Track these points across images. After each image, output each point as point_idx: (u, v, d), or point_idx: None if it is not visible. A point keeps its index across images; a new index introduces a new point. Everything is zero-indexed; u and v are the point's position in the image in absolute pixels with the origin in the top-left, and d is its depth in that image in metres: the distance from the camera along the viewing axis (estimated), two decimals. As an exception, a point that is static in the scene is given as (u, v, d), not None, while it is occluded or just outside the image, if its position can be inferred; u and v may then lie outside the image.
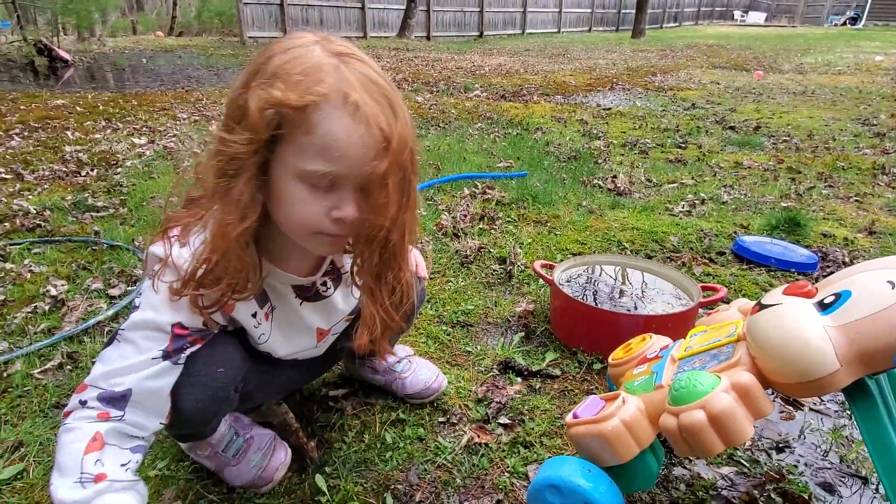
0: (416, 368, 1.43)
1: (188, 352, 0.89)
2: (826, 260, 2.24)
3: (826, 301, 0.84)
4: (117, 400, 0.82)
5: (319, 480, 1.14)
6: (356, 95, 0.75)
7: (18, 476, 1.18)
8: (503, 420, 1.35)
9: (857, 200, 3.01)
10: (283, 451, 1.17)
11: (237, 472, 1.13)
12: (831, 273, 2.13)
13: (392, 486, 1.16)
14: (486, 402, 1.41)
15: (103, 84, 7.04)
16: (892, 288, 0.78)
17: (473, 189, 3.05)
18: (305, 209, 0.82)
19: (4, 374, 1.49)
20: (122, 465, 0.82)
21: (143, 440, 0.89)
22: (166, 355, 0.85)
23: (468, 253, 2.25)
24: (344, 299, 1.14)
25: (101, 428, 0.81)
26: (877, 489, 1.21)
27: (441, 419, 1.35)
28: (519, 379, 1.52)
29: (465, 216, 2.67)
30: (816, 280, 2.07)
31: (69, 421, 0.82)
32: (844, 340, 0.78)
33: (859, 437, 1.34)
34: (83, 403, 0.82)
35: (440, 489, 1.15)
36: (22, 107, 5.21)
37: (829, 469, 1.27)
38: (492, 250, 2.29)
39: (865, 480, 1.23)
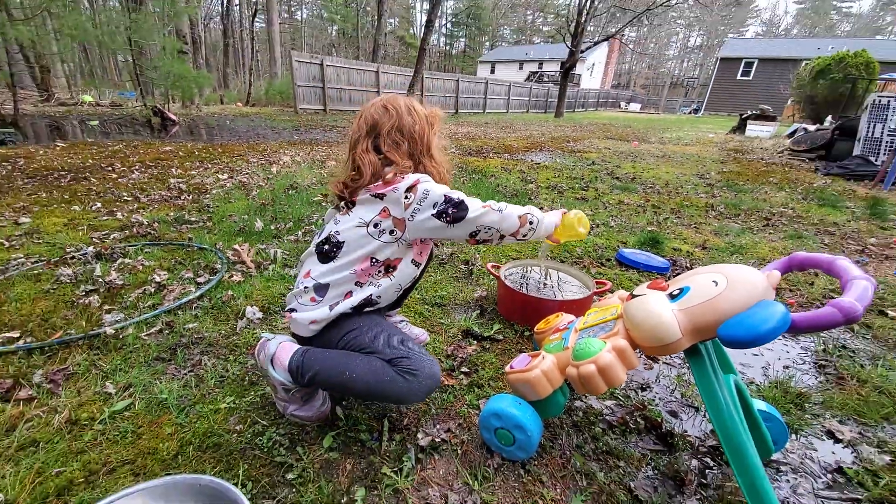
0: (409, 327, 1.43)
1: None
2: (675, 265, 2.28)
3: (674, 293, 0.86)
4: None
5: (338, 410, 1.12)
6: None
7: (127, 408, 1.13)
8: (464, 369, 1.34)
9: (695, 227, 3.05)
10: (329, 405, 1.11)
11: (299, 409, 1.06)
12: (678, 274, 2.17)
13: (388, 415, 1.14)
14: (453, 358, 1.40)
15: (198, 137, 6.84)
16: (716, 285, 0.80)
17: (448, 214, 3.04)
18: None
19: (120, 336, 1.44)
20: None
21: None
22: None
23: (444, 257, 2.24)
24: None
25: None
26: (704, 414, 1.23)
27: (423, 368, 1.34)
28: (475, 342, 1.51)
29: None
30: (668, 279, 2.12)
31: (498, 211, 1.07)
32: (685, 319, 0.80)
33: (694, 382, 1.37)
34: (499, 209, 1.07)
35: (420, 416, 1.14)
36: (141, 151, 5.03)
37: (675, 401, 1.29)
38: (459, 255, 2.28)
39: (697, 409, 1.25)
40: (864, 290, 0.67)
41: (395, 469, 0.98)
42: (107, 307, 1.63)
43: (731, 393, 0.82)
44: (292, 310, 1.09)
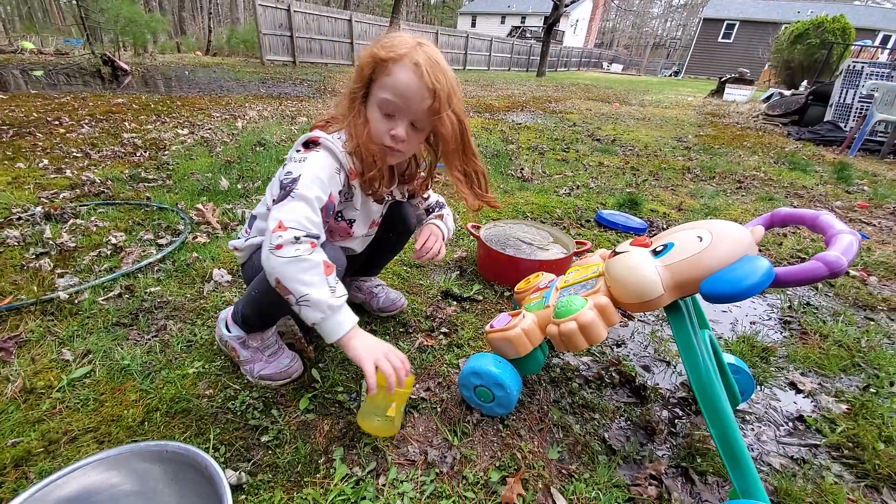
0: (387, 291, 1.39)
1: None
2: (652, 226, 2.30)
3: (657, 249, 0.85)
4: (314, 237, 0.81)
5: (315, 372, 1.10)
6: (421, 60, 0.82)
7: (87, 375, 1.07)
8: (444, 330, 1.33)
9: (672, 189, 3.08)
10: (300, 366, 1.10)
11: (265, 367, 1.06)
12: (654, 234, 2.20)
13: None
14: (432, 318, 1.38)
15: (154, 89, 6.33)
16: (700, 241, 0.79)
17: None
18: (376, 126, 0.88)
19: (76, 301, 1.35)
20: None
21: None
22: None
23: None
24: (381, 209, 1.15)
25: (322, 257, 0.80)
26: (675, 368, 1.27)
27: (401, 329, 1.32)
28: (454, 302, 1.49)
29: (421, 192, 2.59)
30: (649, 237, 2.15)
31: (295, 253, 0.77)
32: (668, 275, 0.79)
33: (667, 337, 1.41)
34: (297, 240, 0.78)
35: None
36: (90, 103, 4.62)
37: (648, 356, 1.32)
38: (438, 216, 2.24)
39: (668, 363, 1.29)
40: (850, 245, 0.66)
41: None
42: (59, 271, 1.52)
43: (707, 347, 0.83)
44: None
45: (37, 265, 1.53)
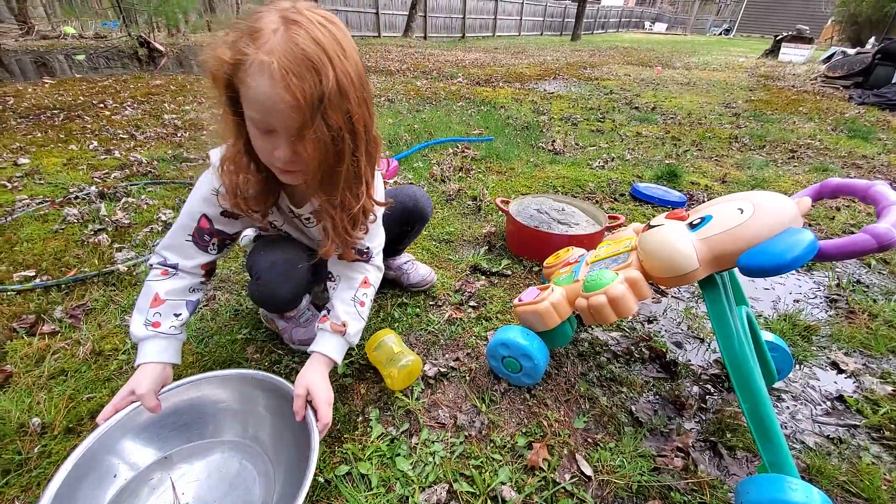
0: (417, 267, 1.42)
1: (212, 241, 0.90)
2: (692, 199, 2.22)
3: (694, 222, 0.83)
4: (170, 266, 0.88)
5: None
6: (274, 61, 0.58)
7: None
8: (472, 304, 1.36)
9: (716, 160, 2.94)
10: None
11: (302, 332, 1.13)
12: (694, 208, 2.13)
13: (399, 344, 1.18)
14: (461, 293, 1.42)
15: (189, 69, 6.52)
16: (741, 213, 0.77)
17: (455, 149, 2.95)
18: (259, 145, 0.70)
19: (133, 273, 1.47)
20: (176, 315, 0.87)
21: (198, 292, 0.93)
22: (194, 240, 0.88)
23: (451, 193, 2.20)
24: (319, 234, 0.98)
25: (163, 288, 0.85)
26: (709, 345, 1.26)
27: (431, 303, 1.37)
28: (483, 277, 1.52)
29: (450, 168, 2.59)
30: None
31: (149, 276, 0.88)
32: (705, 248, 0.78)
33: (702, 314, 1.39)
34: (151, 266, 0.88)
35: (430, 347, 1.18)
36: (131, 86, 4.83)
37: (680, 333, 1.31)
38: (467, 191, 2.24)
39: (702, 340, 1.28)
40: (901, 217, 0.63)
41: (407, 392, 1.03)
42: (116, 245, 1.65)
43: (743, 323, 0.82)
44: None
45: (96, 240, 1.67)
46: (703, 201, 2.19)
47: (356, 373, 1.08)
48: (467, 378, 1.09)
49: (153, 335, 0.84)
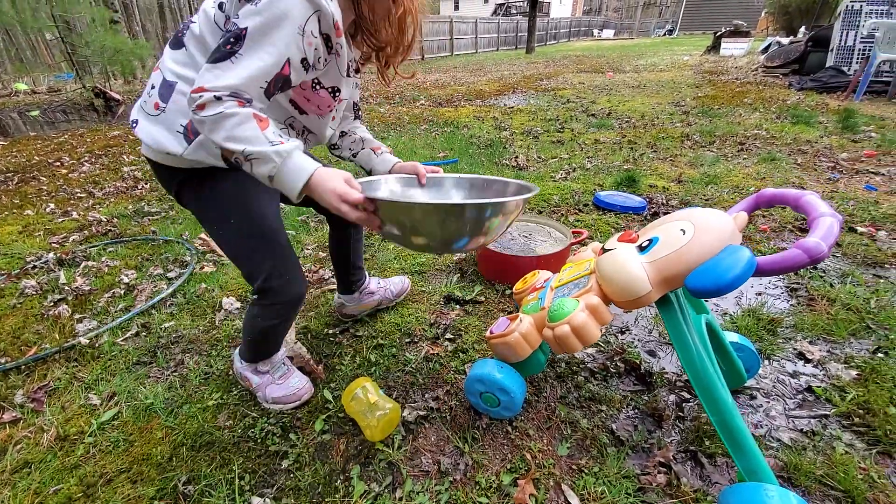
0: (392, 282, 1.49)
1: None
2: (651, 203, 2.28)
3: (643, 245, 0.85)
4: (246, 99, 0.71)
5: (326, 393, 1.14)
6: None
7: (115, 417, 1.13)
8: (448, 336, 1.36)
9: (671, 160, 3.03)
10: (310, 387, 1.15)
11: (277, 389, 1.10)
12: (655, 212, 2.19)
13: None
14: (436, 325, 1.41)
15: (148, 116, 6.40)
16: (684, 234, 0.80)
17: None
18: None
19: (96, 344, 1.41)
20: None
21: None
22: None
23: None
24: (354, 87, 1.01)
25: (252, 110, 0.70)
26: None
27: (407, 340, 1.35)
28: (457, 306, 1.52)
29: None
30: (646, 219, 2.13)
31: (219, 109, 0.67)
32: (654, 271, 0.80)
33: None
34: (218, 99, 0.67)
35: (409, 388, 1.17)
36: (88, 140, 4.71)
37: (653, 341, 1.33)
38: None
39: (673, 346, 1.30)
40: (830, 228, 0.67)
41: (388, 441, 1.01)
42: (78, 316, 1.58)
43: (702, 336, 0.84)
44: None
45: (56, 312, 1.60)
46: (663, 203, 2.26)
47: (334, 427, 1.05)
48: (448, 418, 1.07)
49: (297, 145, 0.73)
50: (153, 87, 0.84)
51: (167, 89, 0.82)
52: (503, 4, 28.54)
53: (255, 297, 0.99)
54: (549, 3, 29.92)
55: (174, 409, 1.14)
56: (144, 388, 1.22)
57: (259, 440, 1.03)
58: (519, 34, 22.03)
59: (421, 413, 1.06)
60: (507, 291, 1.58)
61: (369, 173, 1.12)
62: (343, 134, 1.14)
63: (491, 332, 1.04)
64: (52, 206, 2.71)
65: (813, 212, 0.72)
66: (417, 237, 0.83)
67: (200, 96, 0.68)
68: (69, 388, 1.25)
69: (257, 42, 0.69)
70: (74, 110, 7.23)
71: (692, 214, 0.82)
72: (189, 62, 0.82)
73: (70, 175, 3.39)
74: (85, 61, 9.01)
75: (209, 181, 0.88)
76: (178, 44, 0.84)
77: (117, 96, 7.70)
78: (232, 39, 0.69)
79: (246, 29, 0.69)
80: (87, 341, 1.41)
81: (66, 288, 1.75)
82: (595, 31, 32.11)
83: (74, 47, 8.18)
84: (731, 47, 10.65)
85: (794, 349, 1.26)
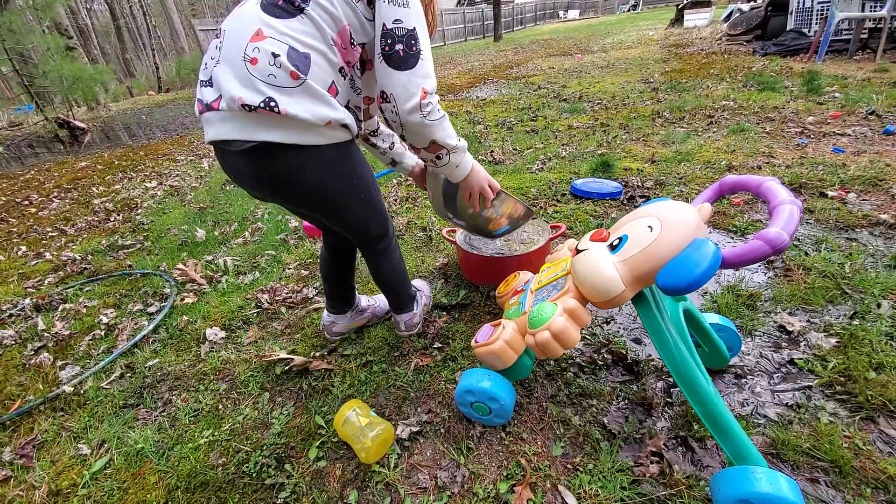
0: (380, 298, 1.49)
1: None
2: (627, 186, 2.29)
3: (614, 244, 0.86)
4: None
5: (318, 418, 1.13)
6: None
7: (106, 466, 1.11)
8: (437, 345, 1.35)
9: (643, 140, 3.04)
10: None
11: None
12: (632, 196, 2.19)
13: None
14: (424, 336, 1.40)
15: (116, 142, 6.24)
16: (651, 231, 0.80)
17: (400, 178, 2.94)
18: None
19: (81, 391, 1.38)
20: None
21: None
22: None
23: (401, 228, 2.19)
24: None
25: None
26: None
27: (396, 354, 1.34)
28: (444, 313, 1.51)
29: (395, 199, 2.58)
30: (623, 203, 2.14)
31: (442, 112, 0.88)
32: (626, 270, 0.80)
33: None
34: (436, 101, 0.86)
35: (401, 404, 1.16)
36: (55, 174, 4.57)
37: (637, 328, 1.34)
38: (417, 222, 2.23)
39: (660, 331, 1.31)
40: (791, 216, 0.67)
41: (384, 462, 1.00)
42: (60, 362, 1.54)
43: (680, 327, 0.85)
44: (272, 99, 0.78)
45: (37, 361, 1.56)
46: (638, 186, 2.28)
47: (329, 452, 1.05)
48: (442, 430, 1.07)
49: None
50: (275, 57, 0.77)
51: (302, 59, 0.80)
52: (467, -7, 28.25)
53: (383, 249, 1.16)
54: (513, -12, 29.68)
55: (165, 451, 1.12)
56: (133, 431, 1.19)
57: (254, 475, 1.01)
58: (485, 23, 21.86)
59: (414, 429, 1.06)
60: (492, 293, 1.58)
61: (392, 164, 1.30)
62: (378, 126, 1.25)
63: (476, 341, 1.04)
64: (23, 248, 2.63)
65: (774, 199, 0.73)
66: (498, 221, 1.29)
67: (429, 103, 0.84)
68: (57, 439, 1.22)
69: (424, 37, 0.84)
70: (40, 143, 7.01)
71: (658, 209, 0.82)
72: (316, 35, 0.82)
73: (40, 213, 3.30)
74: (44, 91, 8.73)
75: (344, 152, 0.92)
76: (286, 11, 0.80)
77: (82, 125, 7.48)
78: (412, 41, 0.82)
79: (414, 28, 0.82)
80: (72, 389, 1.38)
81: (46, 334, 1.70)
82: (561, 13, 32.01)
83: (32, 78, 7.91)
84: (694, 18, 10.72)
85: (775, 322, 1.28)
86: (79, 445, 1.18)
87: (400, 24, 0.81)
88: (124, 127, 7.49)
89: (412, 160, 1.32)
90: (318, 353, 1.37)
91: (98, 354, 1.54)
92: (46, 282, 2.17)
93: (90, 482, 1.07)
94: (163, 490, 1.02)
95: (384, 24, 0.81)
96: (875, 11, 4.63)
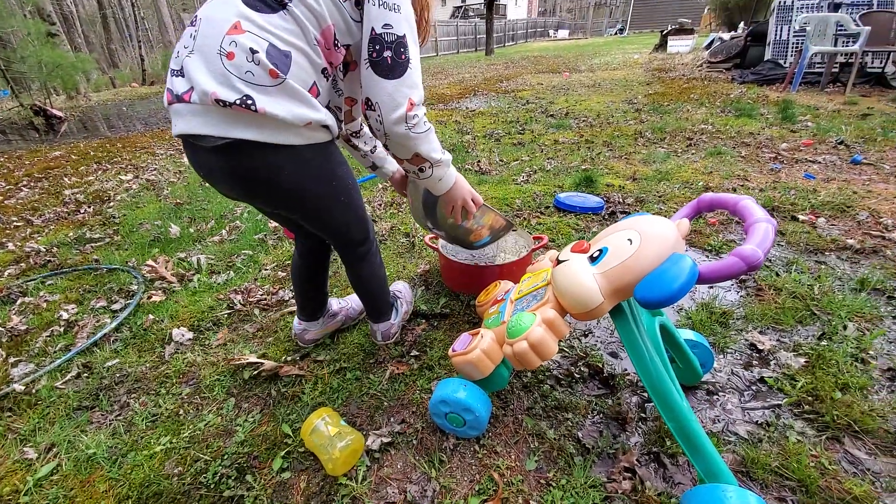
0: (352, 299, 1.47)
1: None
2: (609, 202, 2.32)
3: (594, 255, 0.85)
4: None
5: (285, 427, 1.08)
6: None
7: (53, 472, 1.03)
8: (414, 353, 1.32)
9: (626, 158, 3.10)
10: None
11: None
12: (613, 211, 2.22)
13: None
14: (401, 343, 1.37)
15: (93, 133, 6.03)
16: (630, 244, 0.79)
17: (385, 183, 2.91)
18: None
19: (33, 391, 1.29)
20: None
21: None
22: None
23: (384, 233, 2.16)
24: None
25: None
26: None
27: (371, 361, 1.30)
28: (423, 321, 1.48)
29: (380, 204, 2.55)
30: (604, 218, 2.17)
31: (428, 124, 0.85)
32: (605, 282, 0.79)
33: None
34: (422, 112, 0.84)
35: (374, 413, 1.12)
36: (27, 162, 4.38)
37: (614, 342, 1.34)
38: (400, 228, 2.21)
39: (637, 346, 1.31)
40: (765, 234, 0.68)
41: (351, 474, 0.96)
42: (13, 359, 1.45)
43: (656, 342, 0.84)
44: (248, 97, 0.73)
45: (-14, 357, 1.46)
46: (619, 202, 2.31)
47: (294, 463, 1.00)
48: (415, 442, 1.04)
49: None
50: (253, 53, 0.73)
51: (282, 58, 0.76)
52: (461, 7, 28.69)
53: (363, 254, 1.13)
54: (506, 4, 30.35)
55: (118, 458, 1.05)
56: (86, 436, 1.12)
57: (212, 486, 0.96)
58: (478, 36, 22.21)
59: (386, 440, 1.02)
60: (472, 302, 1.56)
61: (373, 168, 1.28)
62: (361, 128, 1.22)
63: (453, 350, 1.02)
64: (-17, 237, 2.49)
65: (749, 217, 0.73)
66: (478, 233, 1.26)
67: (415, 115, 0.81)
68: (2, 441, 1.14)
69: (414, 45, 0.81)
70: (13, 130, 6.73)
71: (638, 223, 0.82)
72: (298, 32, 0.77)
73: (6, 202, 3.14)
74: (21, 77, 8.40)
75: (323, 152, 0.88)
76: (268, 5, 0.75)
77: (59, 113, 7.23)
78: (401, 49, 0.79)
79: (404, 36, 0.79)
80: (23, 388, 1.29)
81: (1, 329, 1.60)
82: (551, 32, 32.80)
83: (9, 63, 7.61)
84: (677, 45, 11.11)
85: (746, 340, 1.30)
86: (25, 449, 1.10)
87: (390, 30, 0.77)
88: (104, 118, 7.26)
89: (393, 165, 1.29)
90: (289, 358, 1.32)
91: (55, 352, 1.45)
92: (6, 273, 2.05)
93: (34, 489, 1.00)
94: (112, 499, 0.95)
95: (373, 29, 0.78)
96: (847, 46, 4.88)
